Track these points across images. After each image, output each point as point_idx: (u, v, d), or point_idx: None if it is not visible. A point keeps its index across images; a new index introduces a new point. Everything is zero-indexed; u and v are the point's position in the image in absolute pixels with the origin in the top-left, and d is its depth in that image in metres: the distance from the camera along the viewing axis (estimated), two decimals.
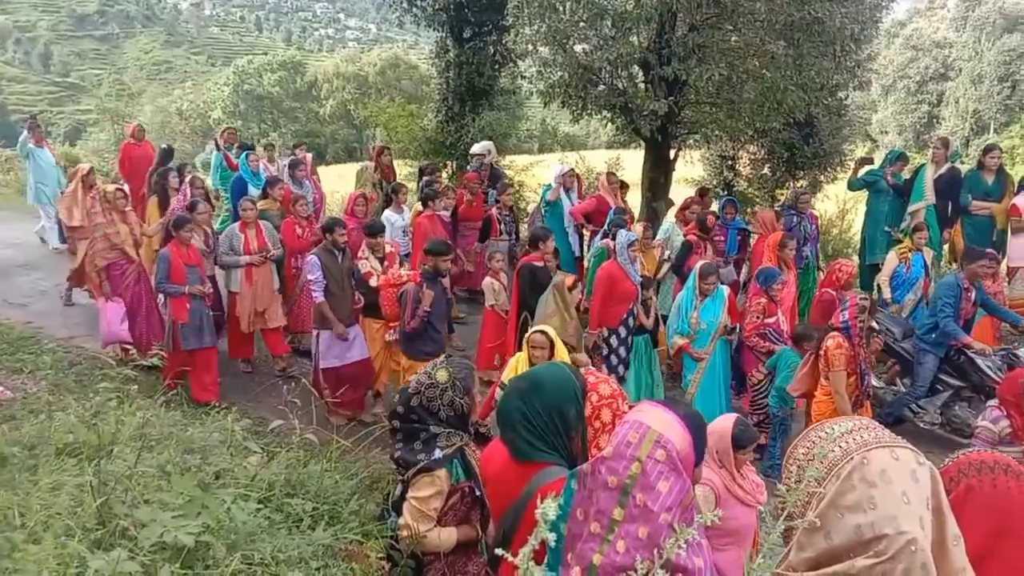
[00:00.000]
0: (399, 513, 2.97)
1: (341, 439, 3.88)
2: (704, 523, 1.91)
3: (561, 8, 9.86)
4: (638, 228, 8.43)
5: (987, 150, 8.82)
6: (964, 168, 9.02)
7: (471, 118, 13.55)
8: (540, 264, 7.06)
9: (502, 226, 9.48)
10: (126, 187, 9.21)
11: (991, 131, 48.45)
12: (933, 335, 6.82)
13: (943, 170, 8.66)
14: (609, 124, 12.51)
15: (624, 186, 10.20)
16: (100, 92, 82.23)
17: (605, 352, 6.96)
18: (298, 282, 8.14)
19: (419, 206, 9.03)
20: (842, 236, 13.78)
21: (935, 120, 52.46)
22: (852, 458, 1.97)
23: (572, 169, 9.93)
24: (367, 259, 7.04)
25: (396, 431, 3.04)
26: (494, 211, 9.59)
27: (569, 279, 6.79)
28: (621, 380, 7.00)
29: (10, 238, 12.23)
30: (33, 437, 3.18)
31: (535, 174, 15.24)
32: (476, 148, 10.75)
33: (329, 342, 6.77)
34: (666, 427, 2.05)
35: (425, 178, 10.08)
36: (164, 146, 11.18)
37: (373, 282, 6.92)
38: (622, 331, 6.95)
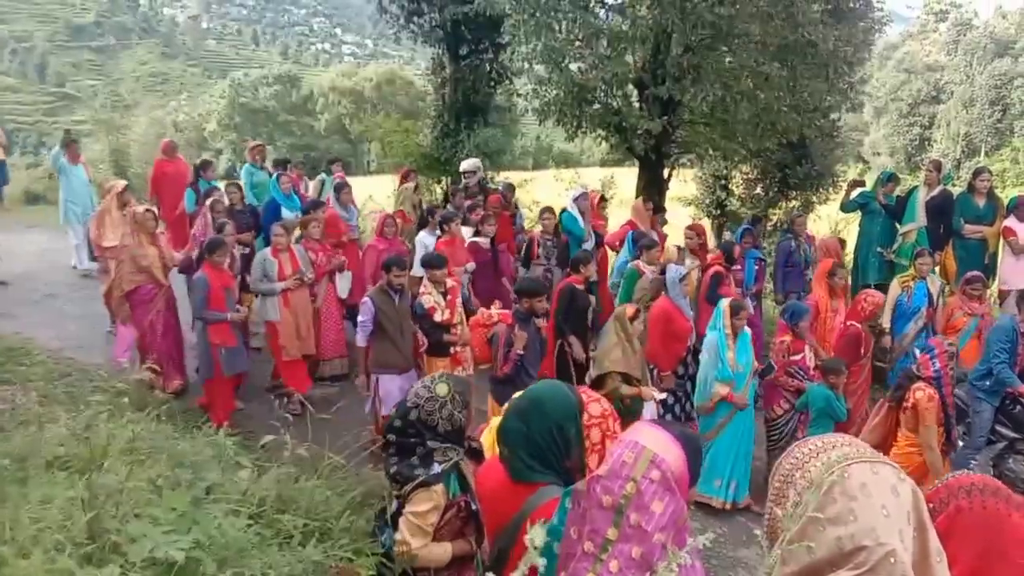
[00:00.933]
0: (396, 528, 2.95)
1: (332, 455, 3.87)
2: (697, 545, 1.91)
3: (557, 27, 9.95)
4: (672, 251, 8.17)
5: (977, 173, 8.87)
6: (956, 191, 9.08)
7: (466, 134, 13.59)
8: (581, 287, 6.92)
9: (541, 250, 9.05)
10: (156, 208, 8.95)
11: (982, 154, 48.82)
12: (987, 382, 6.36)
13: (935, 192, 8.71)
14: (603, 142, 12.57)
15: (657, 210, 10.11)
16: (95, 103, 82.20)
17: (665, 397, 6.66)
18: (313, 306, 7.89)
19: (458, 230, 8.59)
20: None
21: (927, 142, 52.88)
22: (833, 472, 1.99)
23: (586, 192, 9.73)
24: (430, 294, 6.56)
25: (390, 445, 3.02)
26: (536, 232, 9.23)
27: (630, 309, 6.42)
28: (688, 419, 6.88)
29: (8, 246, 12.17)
30: (23, 449, 3.16)
31: (529, 191, 15.29)
32: (466, 165, 10.73)
33: (390, 387, 6.37)
34: (661, 447, 2.05)
35: (451, 202, 9.89)
36: (199, 160, 10.67)
37: (437, 317, 6.52)
38: (680, 370, 6.77)
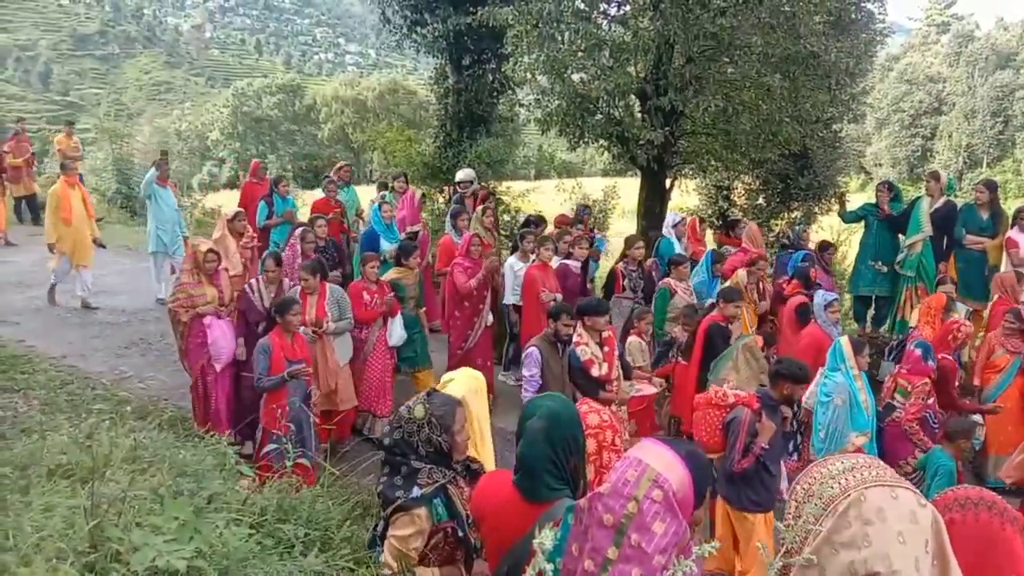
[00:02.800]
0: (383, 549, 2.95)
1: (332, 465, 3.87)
2: (703, 554, 1.91)
3: (560, 38, 9.97)
4: (742, 275, 7.67)
5: (977, 185, 8.93)
6: (960, 202, 9.08)
7: (469, 144, 13.61)
8: (724, 323, 6.54)
9: (626, 281, 8.34)
10: (249, 231, 8.35)
11: (984, 165, 48.93)
12: None
13: (940, 203, 8.72)
14: (606, 152, 12.57)
15: (731, 227, 9.98)
16: (99, 112, 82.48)
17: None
18: (362, 352, 7.20)
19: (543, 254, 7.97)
20: (836, 268, 13.84)
21: (928, 154, 53.04)
22: (849, 495, 1.97)
23: (684, 218, 9.44)
24: (586, 344, 5.74)
25: (383, 463, 3.02)
26: (620, 265, 8.52)
27: (758, 339, 6.15)
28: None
29: (9, 255, 12.21)
30: (25, 457, 3.17)
31: (532, 200, 15.30)
32: (461, 175, 10.64)
33: None
34: (666, 466, 2.01)
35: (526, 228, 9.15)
36: (274, 175, 10.21)
37: (595, 372, 5.71)
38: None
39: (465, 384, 3.91)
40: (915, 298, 8.57)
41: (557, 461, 2.59)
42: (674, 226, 9.13)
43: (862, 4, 11.78)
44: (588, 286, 8.74)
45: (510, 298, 8.30)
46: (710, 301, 7.69)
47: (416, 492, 2.87)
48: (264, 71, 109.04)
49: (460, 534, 2.92)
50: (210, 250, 6.85)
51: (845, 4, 10.61)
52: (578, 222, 10.17)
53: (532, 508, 2.56)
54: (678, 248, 8.88)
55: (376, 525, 3.13)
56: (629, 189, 15.31)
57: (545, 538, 1.61)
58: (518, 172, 28.75)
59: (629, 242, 8.69)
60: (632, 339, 6.97)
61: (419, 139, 15.81)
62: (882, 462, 2.12)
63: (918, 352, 6.12)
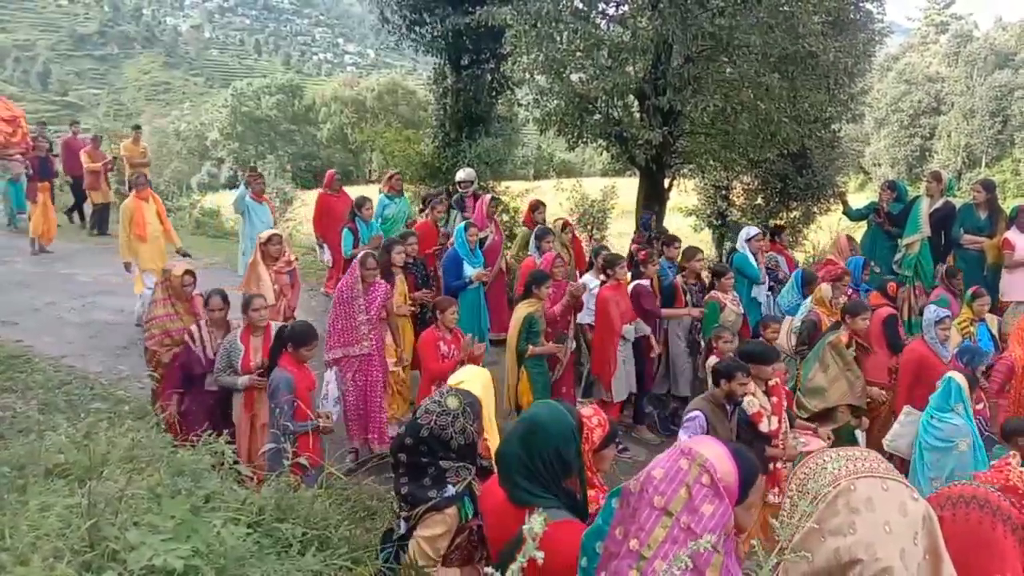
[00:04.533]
0: (404, 550, 2.92)
1: (332, 465, 3.87)
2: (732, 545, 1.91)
3: (558, 38, 9.98)
4: (826, 290, 7.20)
5: (975, 185, 8.93)
6: (959, 202, 9.09)
7: (467, 144, 13.62)
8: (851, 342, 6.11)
9: (688, 297, 7.86)
10: (287, 255, 7.54)
11: (983, 165, 48.95)
12: None
13: (939, 203, 8.72)
14: (604, 152, 12.60)
15: (776, 232, 9.76)
16: (98, 112, 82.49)
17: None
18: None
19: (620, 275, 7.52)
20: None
21: (927, 153, 53.04)
22: (839, 484, 1.99)
23: (760, 232, 8.98)
24: (754, 394, 5.09)
25: (400, 465, 2.96)
26: (679, 279, 7.96)
27: (844, 336, 5.85)
28: None
29: (6, 256, 12.20)
30: (22, 457, 3.16)
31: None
32: (462, 175, 10.63)
33: None
34: (715, 457, 2.04)
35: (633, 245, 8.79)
36: (357, 197, 9.52)
37: (764, 427, 5.08)
38: None
39: (479, 381, 3.90)
40: (913, 298, 8.56)
41: (532, 467, 2.56)
42: (748, 240, 8.56)
43: (860, 4, 11.79)
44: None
45: (585, 317, 7.75)
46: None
47: (451, 491, 2.85)
48: (263, 71, 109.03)
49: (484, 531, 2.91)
50: (187, 272, 6.17)
51: (843, 4, 10.63)
52: (647, 231, 9.71)
53: (519, 511, 2.56)
54: (754, 263, 8.39)
55: (390, 530, 3.10)
56: (628, 189, 15.33)
57: (535, 524, 1.61)
58: (517, 172, 28.77)
59: (688, 255, 8.12)
60: (712, 359, 6.49)
61: (418, 139, 15.83)
62: (879, 455, 2.14)
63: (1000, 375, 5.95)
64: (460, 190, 10.38)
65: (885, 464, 2.09)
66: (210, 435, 3.44)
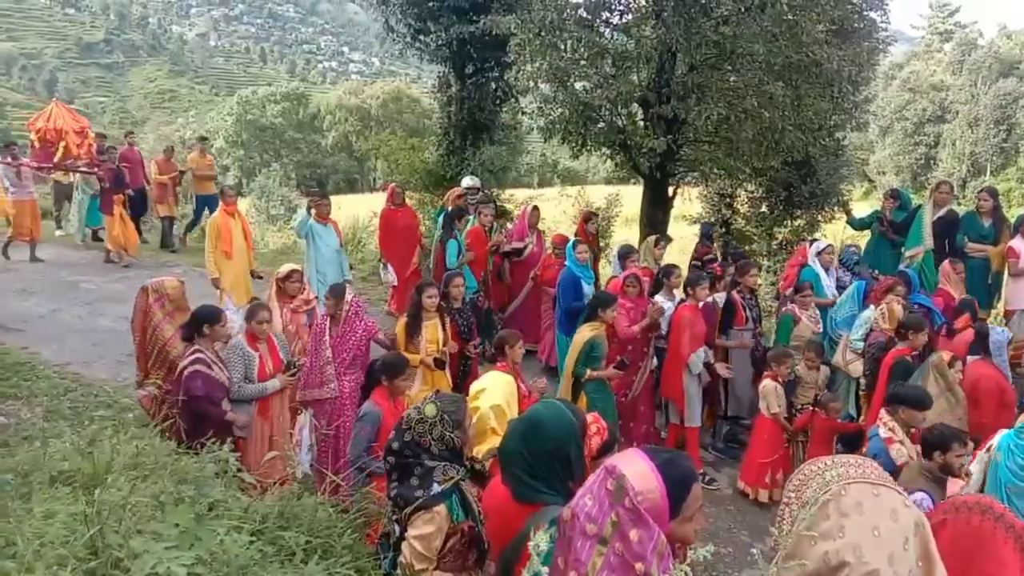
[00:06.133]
0: (399, 552, 2.92)
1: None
2: (698, 557, 1.91)
3: (562, 46, 10.01)
4: (898, 310, 6.83)
5: (980, 193, 8.89)
6: (962, 210, 9.08)
7: (472, 152, 13.65)
8: (909, 357, 5.97)
9: (747, 312, 7.54)
10: (305, 293, 7.04)
11: (987, 173, 48.91)
12: None
13: (942, 212, 8.71)
14: (608, 160, 12.60)
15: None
16: (104, 119, 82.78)
17: None
18: None
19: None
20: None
21: (932, 161, 53.04)
22: (831, 489, 2.00)
23: (831, 245, 8.71)
24: (900, 442, 4.67)
25: (391, 468, 3.00)
26: (736, 295, 7.61)
27: (946, 355, 5.68)
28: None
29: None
30: (27, 464, 3.17)
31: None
32: (468, 182, 10.61)
33: None
34: (636, 475, 2.01)
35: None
36: (452, 208, 9.21)
37: None
38: None
39: (500, 390, 3.88)
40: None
41: (536, 464, 2.61)
42: (819, 254, 8.29)
43: (864, 13, 11.79)
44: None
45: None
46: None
47: (436, 488, 2.87)
48: (268, 79, 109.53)
49: (477, 532, 2.91)
50: (181, 282, 6.09)
51: (847, 13, 10.63)
52: (710, 241, 9.29)
53: (522, 508, 2.59)
54: (825, 279, 8.14)
55: (387, 533, 3.10)
56: (632, 197, 15.32)
57: (540, 540, 1.61)
58: (521, 180, 28.83)
59: (742, 269, 7.79)
60: (767, 382, 6.52)
61: (422, 147, 15.85)
62: (874, 463, 2.15)
63: None
64: (468, 196, 10.40)
65: (879, 471, 2.10)
66: (214, 443, 3.45)
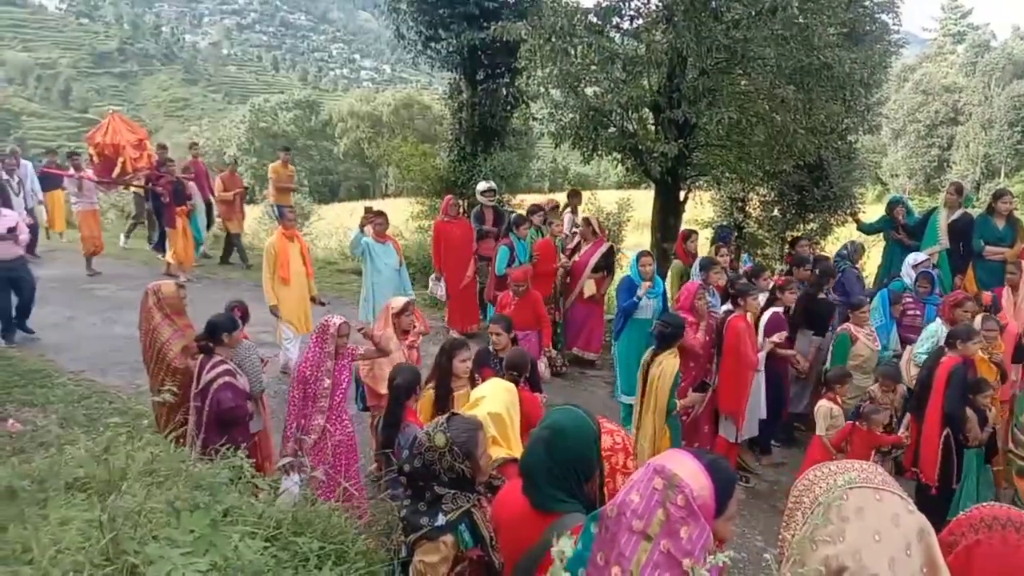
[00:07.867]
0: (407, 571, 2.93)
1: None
2: (718, 563, 1.90)
3: (573, 52, 10.01)
4: (977, 321, 6.58)
5: (998, 195, 8.75)
6: (976, 213, 9.02)
7: (483, 158, 13.68)
8: (964, 364, 5.84)
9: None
10: (419, 327, 6.69)
11: (1002, 175, 48.56)
12: None
13: (956, 215, 8.66)
14: (619, 165, 12.57)
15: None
16: None
17: None
18: None
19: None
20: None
21: (945, 164, 52.69)
22: (832, 494, 2.00)
23: (929, 257, 8.39)
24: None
25: (404, 487, 2.99)
26: (781, 313, 7.48)
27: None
28: None
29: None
30: (43, 471, 3.18)
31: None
32: (484, 185, 10.64)
33: None
34: (688, 474, 2.03)
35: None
36: (514, 214, 9.01)
37: None
38: None
39: (499, 399, 3.82)
40: None
41: (559, 473, 2.59)
42: (915, 266, 7.97)
43: (876, 15, 11.75)
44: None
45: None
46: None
47: (441, 520, 2.82)
48: (281, 87, 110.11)
49: (486, 559, 2.88)
50: (179, 286, 6.08)
51: (859, 15, 10.60)
52: (723, 243, 9.13)
53: (541, 518, 2.57)
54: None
55: (397, 551, 3.10)
56: (643, 201, 15.30)
57: (564, 546, 1.61)
58: (532, 185, 28.84)
59: (783, 285, 7.69)
60: (823, 403, 6.25)
61: (434, 153, 15.91)
62: (880, 469, 2.13)
63: None
64: (483, 199, 10.41)
65: (883, 476, 2.08)
66: (228, 449, 3.46)
